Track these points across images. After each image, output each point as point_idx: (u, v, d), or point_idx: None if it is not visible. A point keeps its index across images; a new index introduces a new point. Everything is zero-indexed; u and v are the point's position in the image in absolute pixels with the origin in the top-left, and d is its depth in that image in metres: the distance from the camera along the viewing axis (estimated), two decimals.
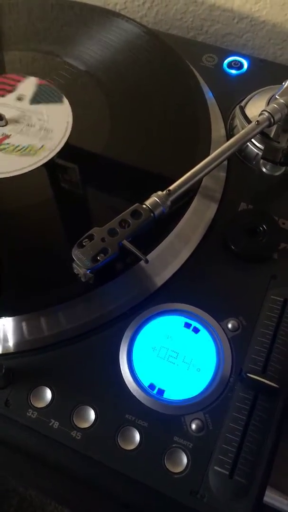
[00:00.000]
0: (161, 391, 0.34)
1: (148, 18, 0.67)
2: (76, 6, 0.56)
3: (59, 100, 0.48)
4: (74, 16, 0.55)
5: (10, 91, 0.49)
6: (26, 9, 0.57)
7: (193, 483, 0.31)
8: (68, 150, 0.44)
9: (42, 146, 0.45)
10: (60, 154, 0.44)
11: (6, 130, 0.46)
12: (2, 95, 0.49)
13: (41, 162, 0.43)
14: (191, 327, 0.36)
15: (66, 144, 0.45)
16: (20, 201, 0.42)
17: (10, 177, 0.42)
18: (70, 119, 0.46)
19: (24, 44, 0.53)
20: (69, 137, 0.45)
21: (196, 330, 0.36)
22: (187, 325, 0.36)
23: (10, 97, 0.49)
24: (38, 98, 0.48)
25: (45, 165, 0.43)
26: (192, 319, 0.36)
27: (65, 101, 0.48)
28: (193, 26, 0.66)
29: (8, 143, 0.45)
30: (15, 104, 0.48)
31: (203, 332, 0.36)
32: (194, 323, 0.36)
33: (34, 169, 0.43)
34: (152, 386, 0.34)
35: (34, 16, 0.56)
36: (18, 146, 0.45)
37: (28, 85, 0.50)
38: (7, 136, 0.46)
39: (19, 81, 0.50)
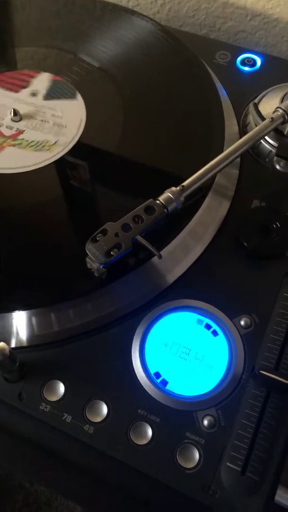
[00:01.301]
0: (164, 382, 0.34)
1: (160, 15, 0.67)
2: (89, 2, 0.56)
3: (73, 96, 0.48)
4: (87, 12, 0.55)
5: (24, 87, 0.49)
6: (39, 5, 0.57)
7: (205, 479, 0.31)
8: (81, 147, 0.44)
9: (55, 142, 0.45)
10: (73, 150, 0.44)
11: (21, 125, 0.47)
12: (16, 91, 0.49)
13: (54, 158, 0.44)
14: (203, 324, 0.36)
15: (80, 140, 0.45)
16: (35, 196, 0.42)
17: (25, 172, 0.43)
18: (83, 115, 0.46)
19: (37, 41, 0.54)
20: (82, 133, 0.45)
21: (208, 327, 0.36)
22: (200, 322, 0.36)
23: (24, 93, 0.49)
24: (52, 93, 0.49)
25: (59, 160, 0.43)
26: (204, 316, 0.36)
27: (79, 97, 0.48)
28: (205, 23, 0.66)
29: (22, 138, 0.45)
30: (29, 99, 0.48)
31: (216, 329, 0.36)
32: (207, 320, 0.36)
33: (48, 164, 0.43)
34: (157, 375, 0.34)
35: (47, 12, 0.56)
36: (33, 141, 0.45)
37: (42, 81, 0.50)
38: (21, 132, 0.46)
39: (33, 76, 0.50)
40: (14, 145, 0.45)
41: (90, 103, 0.47)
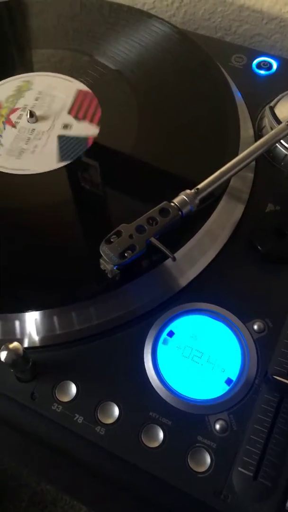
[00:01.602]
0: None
1: (176, 18, 0.67)
2: (105, 5, 0.56)
3: (65, 159, 0.44)
4: (102, 15, 0.56)
5: (77, 118, 0.47)
6: (56, 9, 0.57)
7: (216, 483, 0.31)
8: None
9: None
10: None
11: (23, 124, 0.47)
12: (69, 112, 0.48)
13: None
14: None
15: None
16: (52, 197, 0.42)
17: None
18: (43, 170, 0.44)
19: (54, 43, 0.54)
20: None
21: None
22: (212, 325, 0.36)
23: (66, 118, 0.47)
24: (65, 141, 0.46)
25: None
26: (217, 319, 0.36)
27: (64, 163, 0.44)
28: (221, 26, 0.66)
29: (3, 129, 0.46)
30: (58, 123, 0.47)
31: (228, 332, 0.36)
32: (219, 324, 0.36)
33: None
34: (169, 377, 0.34)
35: (63, 15, 0.56)
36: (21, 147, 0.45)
37: (86, 129, 0.46)
38: (14, 126, 0.47)
39: (91, 121, 0.47)
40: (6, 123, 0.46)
41: (105, 104, 0.48)
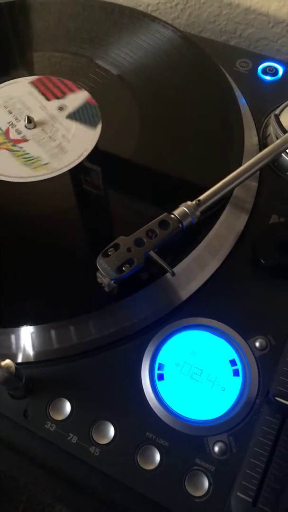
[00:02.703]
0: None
1: (180, 20, 0.66)
2: (107, 7, 0.55)
3: (94, 125, 0.46)
4: (105, 17, 0.55)
5: (58, 97, 0.48)
6: (57, 10, 0.56)
7: (214, 508, 0.30)
8: (99, 152, 0.44)
9: (46, 164, 0.43)
10: (91, 155, 0.44)
11: (29, 134, 0.46)
12: (49, 99, 0.48)
13: (34, 179, 0.42)
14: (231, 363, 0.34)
15: (95, 147, 0.44)
16: (47, 207, 0.41)
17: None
18: (90, 147, 0.44)
19: (54, 45, 0.53)
20: (87, 156, 0.44)
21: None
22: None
23: (54, 103, 0.48)
24: (76, 115, 0.47)
25: (35, 184, 0.42)
26: (218, 336, 0.35)
27: (99, 127, 0.46)
28: (226, 29, 0.64)
29: (21, 147, 0.45)
30: (53, 111, 0.47)
31: (229, 349, 0.34)
32: (220, 340, 0.35)
33: (26, 182, 0.42)
34: (167, 396, 0.33)
35: (65, 17, 0.55)
36: (27, 154, 0.44)
37: (77, 98, 0.48)
38: (25, 140, 0.45)
39: (72, 90, 0.48)
40: (10, 150, 0.44)
41: (106, 109, 0.46)
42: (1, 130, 0.46)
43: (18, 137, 0.46)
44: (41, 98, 0.48)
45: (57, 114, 0.47)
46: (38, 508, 0.75)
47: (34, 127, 0.46)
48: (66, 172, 0.43)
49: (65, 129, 0.46)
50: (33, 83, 0.50)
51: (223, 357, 0.34)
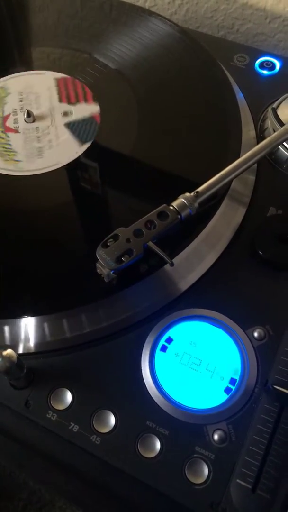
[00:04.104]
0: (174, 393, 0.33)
1: (178, 15, 0.66)
2: (105, 3, 0.55)
3: (84, 141, 0.44)
4: (103, 12, 0.55)
5: (70, 102, 0.48)
6: (56, 6, 0.56)
7: (214, 495, 0.30)
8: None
9: (18, 161, 0.43)
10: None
11: (23, 127, 0.46)
12: (61, 101, 0.48)
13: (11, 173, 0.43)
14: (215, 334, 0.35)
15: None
16: (46, 200, 0.41)
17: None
18: (64, 161, 0.43)
19: (53, 41, 0.53)
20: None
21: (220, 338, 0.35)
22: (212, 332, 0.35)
23: (63, 107, 0.47)
24: (75, 125, 0.46)
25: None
26: (216, 326, 0.35)
27: (86, 145, 0.44)
28: (223, 24, 0.65)
29: (8, 137, 0.45)
30: (57, 114, 0.47)
31: (228, 339, 0.35)
32: (219, 331, 0.35)
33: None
34: (167, 386, 0.33)
35: (63, 12, 0.55)
36: (9, 145, 0.45)
37: (86, 110, 0.47)
38: (16, 131, 0.46)
39: (86, 100, 0.48)
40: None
41: (104, 104, 0.47)
42: (2, 114, 0.47)
43: (12, 126, 0.46)
44: (55, 97, 0.48)
45: (58, 118, 0.47)
46: (38, 505, 0.75)
47: (33, 121, 0.46)
48: (27, 176, 0.42)
49: (56, 135, 0.45)
50: (57, 80, 0.49)
51: (222, 347, 0.35)
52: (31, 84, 0.50)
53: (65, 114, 0.47)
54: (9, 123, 0.46)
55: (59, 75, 0.50)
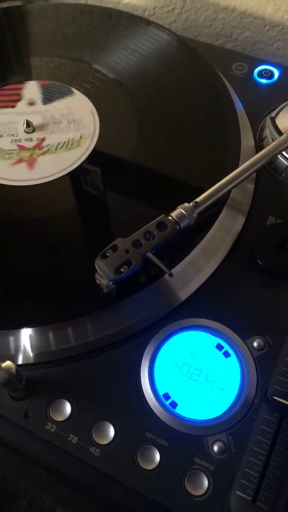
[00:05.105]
0: (174, 404, 0.33)
1: (177, 24, 0.67)
2: (104, 12, 0.56)
3: (69, 92, 0.48)
4: (102, 22, 0.55)
5: (18, 100, 0.49)
6: (54, 15, 0.57)
7: (213, 507, 0.30)
8: (94, 157, 0.44)
9: (81, 136, 0.45)
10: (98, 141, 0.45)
11: (38, 134, 0.46)
12: (13, 106, 0.49)
13: (89, 150, 0.44)
14: (215, 344, 0.35)
15: (94, 150, 0.45)
16: (44, 210, 0.41)
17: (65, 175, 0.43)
18: (90, 104, 0.47)
19: (52, 50, 0.53)
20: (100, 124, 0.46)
21: (220, 348, 0.35)
22: (215, 345, 0.35)
23: (22, 105, 0.49)
24: (48, 97, 0.48)
25: (94, 152, 0.44)
26: (216, 336, 0.35)
27: (75, 91, 0.48)
28: (222, 33, 0.65)
29: (48, 144, 0.45)
30: (30, 109, 0.48)
31: (228, 350, 0.35)
32: (218, 340, 0.35)
33: (87, 158, 0.44)
34: (166, 396, 0.33)
35: (62, 21, 0.56)
36: (59, 143, 0.45)
37: (32, 90, 0.50)
38: (43, 139, 0.46)
39: (21, 88, 0.50)
40: (44, 154, 0.45)
41: (104, 114, 0.47)
42: (15, 149, 0.46)
43: (34, 142, 0.46)
44: (7, 110, 0.49)
45: (36, 109, 0.48)
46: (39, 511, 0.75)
47: (34, 129, 0.47)
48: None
49: (56, 110, 0.48)
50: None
51: (221, 357, 0.35)
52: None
53: (31, 103, 0.48)
54: (28, 145, 0.46)
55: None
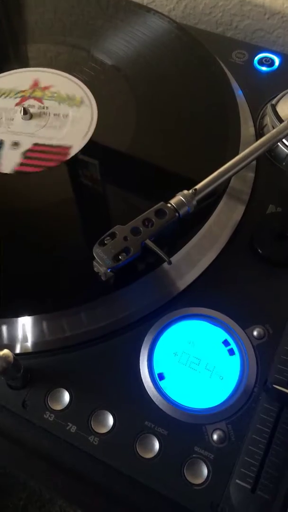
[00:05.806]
0: (173, 393, 0.33)
1: (176, 12, 0.66)
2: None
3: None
4: (100, 9, 0.54)
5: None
6: (52, 2, 0.56)
7: (213, 495, 0.30)
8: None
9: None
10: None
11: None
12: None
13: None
14: (214, 333, 0.35)
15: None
16: (42, 199, 0.41)
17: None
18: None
19: (50, 38, 0.53)
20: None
21: (219, 336, 0.35)
22: (214, 333, 0.35)
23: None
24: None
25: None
26: (215, 325, 0.35)
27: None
28: (222, 21, 0.64)
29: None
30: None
31: (227, 339, 0.34)
32: (218, 329, 0.35)
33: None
34: (166, 385, 0.33)
35: (60, 9, 0.55)
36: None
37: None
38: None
39: None
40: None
41: (102, 101, 0.46)
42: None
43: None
44: None
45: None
46: (38, 504, 0.75)
47: (31, 117, 0.46)
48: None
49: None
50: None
51: (221, 346, 0.34)
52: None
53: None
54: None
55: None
